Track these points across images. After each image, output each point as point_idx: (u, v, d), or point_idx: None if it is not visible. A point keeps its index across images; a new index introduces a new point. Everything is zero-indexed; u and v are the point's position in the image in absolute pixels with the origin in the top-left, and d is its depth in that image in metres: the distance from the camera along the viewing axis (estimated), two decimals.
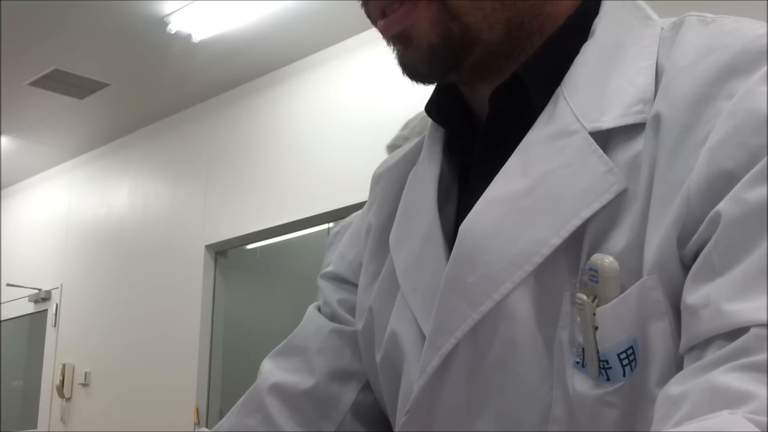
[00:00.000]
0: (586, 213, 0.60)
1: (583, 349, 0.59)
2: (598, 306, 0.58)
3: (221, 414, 4.38)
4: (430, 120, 0.78)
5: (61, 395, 5.21)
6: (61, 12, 3.86)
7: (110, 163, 5.41)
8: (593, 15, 0.69)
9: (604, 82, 0.64)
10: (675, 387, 0.52)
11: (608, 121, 0.62)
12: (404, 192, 0.78)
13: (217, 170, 4.67)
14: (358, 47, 4.05)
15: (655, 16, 0.69)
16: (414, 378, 0.67)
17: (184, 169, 4.88)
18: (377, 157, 3.78)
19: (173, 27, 3.96)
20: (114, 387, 4.93)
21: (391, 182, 0.82)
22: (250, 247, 4.53)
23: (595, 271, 0.58)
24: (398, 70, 0.71)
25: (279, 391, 0.81)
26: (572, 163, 0.62)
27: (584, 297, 0.58)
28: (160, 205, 4.97)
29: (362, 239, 0.84)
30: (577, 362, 0.59)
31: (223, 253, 4.62)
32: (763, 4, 2.35)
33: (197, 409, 4.38)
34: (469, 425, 0.65)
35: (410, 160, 0.81)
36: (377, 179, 0.86)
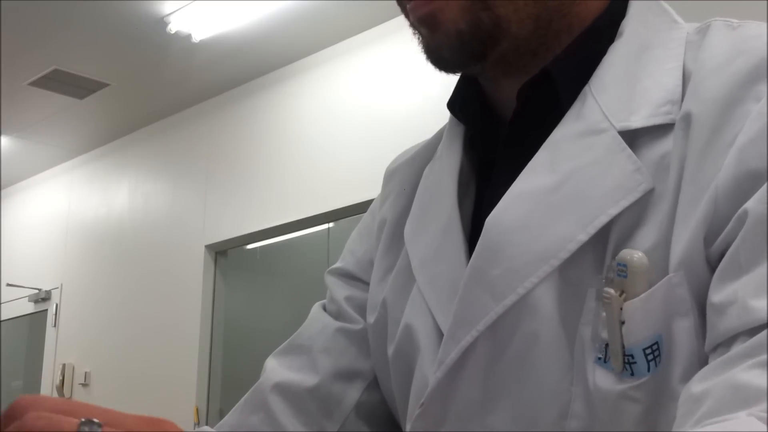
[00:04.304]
0: (614, 210, 0.60)
1: (606, 344, 0.59)
2: (625, 301, 0.58)
3: (221, 414, 4.38)
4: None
5: (61, 395, 5.21)
6: (61, 12, 3.86)
7: (110, 163, 5.41)
8: (620, 17, 0.69)
9: (632, 82, 0.65)
10: (697, 384, 0.52)
11: (637, 121, 0.63)
12: (420, 186, 0.78)
13: (217, 170, 4.67)
14: (357, 47, 4.05)
15: (680, 20, 0.70)
16: (429, 371, 0.67)
17: (184, 169, 4.88)
18: (377, 157, 3.78)
19: (173, 27, 3.96)
20: (114, 387, 4.92)
21: (407, 177, 0.82)
22: (250, 247, 4.53)
23: (624, 266, 0.58)
24: (422, 56, 0.71)
25: (282, 389, 0.80)
26: (601, 161, 0.62)
27: (612, 291, 0.58)
28: (160, 205, 4.97)
29: (373, 235, 0.83)
30: (599, 358, 0.60)
31: (223, 253, 4.62)
32: (763, 4, 2.35)
33: (197, 409, 4.38)
34: (483, 420, 0.65)
35: (425, 156, 0.82)
36: (390, 175, 0.86)
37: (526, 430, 0.62)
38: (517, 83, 0.70)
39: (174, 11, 3.87)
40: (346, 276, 0.85)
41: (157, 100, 4.82)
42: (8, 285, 5.71)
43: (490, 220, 0.65)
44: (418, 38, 0.72)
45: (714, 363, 0.53)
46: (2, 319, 5.93)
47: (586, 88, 0.66)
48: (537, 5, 0.67)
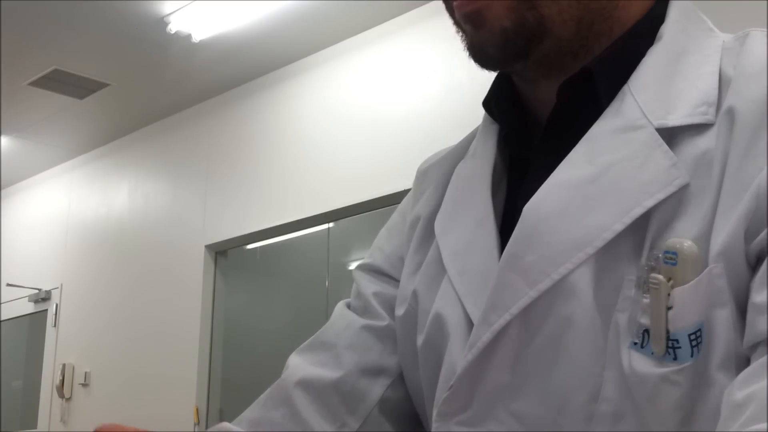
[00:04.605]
0: (649, 203, 0.62)
1: (645, 330, 0.61)
2: (673, 287, 0.60)
3: (221, 414, 4.38)
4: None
5: (61, 395, 5.21)
6: (61, 12, 3.86)
7: (110, 163, 5.41)
8: (660, 22, 0.72)
9: (670, 83, 0.68)
10: (740, 389, 0.54)
11: (674, 119, 0.65)
12: (451, 182, 0.81)
13: (217, 170, 4.67)
14: (357, 47, 4.05)
15: (716, 29, 0.73)
16: (458, 357, 0.68)
17: (184, 169, 4.88)
18: (377, 157, 3.75)
19: (173, 27, 3.96)
20: (114, 387, 4.93)
21: (439, 175, 0.84)
22: (250, 247, 4.53)
23: (674, 253, 0.60)
24: (466, 53, 0.74)
25: (306, 384, 0.81)
26: (638, 155, 0.65)
27: (661, 277, 0.60)
28: (160, 205, 4.97)
29: (403, 233, 0.85)
30: (635, 343, 0.61)
31: (223, 253, 4.62)
32: (763, 4, 2.35)
33: (197, 409, 4.38)
34: (510, 405, 0.66)
35: (458, 155, 0.84)
36: (423, 174, 0.89)
37: (554, 413, 0.64)
38: (554, 83, 0.72)
39: (174, 11, 3.87)
40: (375, 272, 0.86)
41: (157, 100, 4.82)
42: (8, 285, 5.71)
43: (527, 208, 0.67)
44: (462, 36, 0.74)
45: (755, 366, 0.55)
46: (2, 319, 5.93)
47: (625, 87, 0.68)
48: (580, 7, 0.70)
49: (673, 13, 0.72)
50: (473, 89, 3.50)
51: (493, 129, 0.79)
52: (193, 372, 4.44)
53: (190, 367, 4.45)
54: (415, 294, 0.78)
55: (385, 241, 0.88)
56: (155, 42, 4.11)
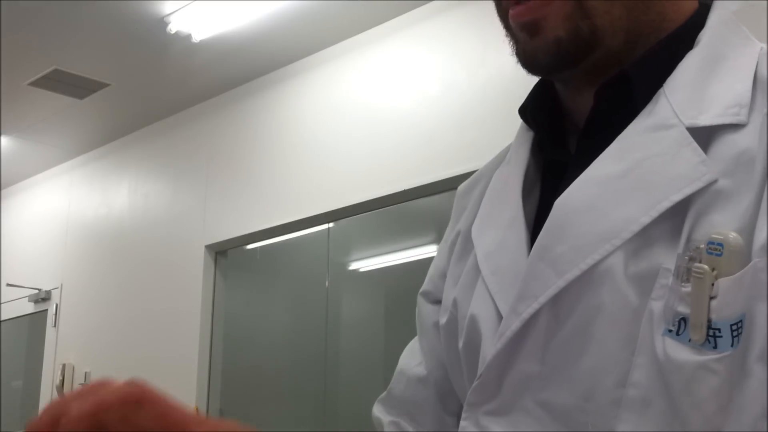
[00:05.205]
0: (676, 197, 0.64)
1: (681, 318, 0.62)
2: (717, 278, 0.61)
3: (221, 414, 4.38)
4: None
5: (62, 395, 5.21)
6: (61, 12, 3.86)
7: (110, 163, 5.41)
8: (699, 29, 0.74)
9: (704, 86, 0.69)
10: None
11: (705, 119, 0.67)
12: (488, 189, 0.84)
13: (217, 170, 4.67)
14: (357, 47, 4.05)
15: (754, 38, 0.75)
16: (489, 350, 0.70)
17: (184, 169, 4.88)
18: (377, 157, 3.75)
19: (173, 27, 3.96)
20: None
21: (480, 191, 0.87)
22: (250, 247, 4.53)
23: (719, 245, 0.61)
24: (516, 58, 0.76)
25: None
26: (668, 152, 0.67)
27: (705, 267, 0.61)
28: (160, 205, 4.97)
29: (445, 252, 0.89)
30: (670, 330, 0.63)
31: (223, 253, 4.62)
32: (763, 4, 2.35)
33: (197, 409, 4.38)
34: (538, 394, 0.68)
35: (494, 169, 0.87)
36: (463, 193, 0.92)
37: (582, 400, 0.65)
38: (595, 88, 0.75)
39: (174, 11, 3.87)
40: (434, 301, 0.89)
41: (157, 100, 4.82)
42: (8, 285, 5.71)
43: (558, 202, 0.70)
44: (512, 42, 0.77)
45: None
46: (2, 319, 5.93)
47: (661, 90, 0.70)
48: (630, 19, 0.73)
49: (712, 21, 0.74)
50: (472, 90, 3.51)
51: (528, 136, 0.82)
52: (193, 372, 4.44)
53: (190, 367, 4.45)
54: (455, 302, 0.80)
55: (432, 264, 0.92)
56: (155, 42, 4.11)
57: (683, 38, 0.74)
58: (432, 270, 0.91)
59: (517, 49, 0.76)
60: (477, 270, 0.77)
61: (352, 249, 4.17)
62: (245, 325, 4.59)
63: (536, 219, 0.76)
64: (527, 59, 0.75)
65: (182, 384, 4.46)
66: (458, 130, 3.49)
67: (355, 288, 4.17)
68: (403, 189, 3.68)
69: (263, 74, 4.48)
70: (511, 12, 0.75)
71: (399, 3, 3.76)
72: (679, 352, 0.62)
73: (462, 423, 0.73)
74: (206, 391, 4.44)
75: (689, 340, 0.61)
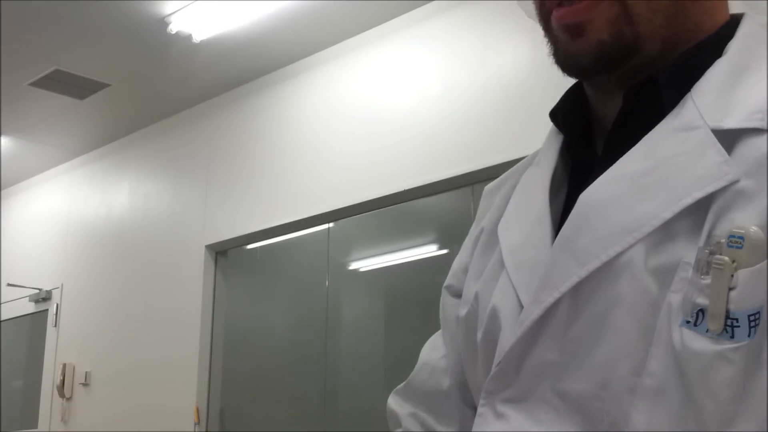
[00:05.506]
0: (698, 194, 0.66)
1: (699, 310, 0.63)
2: (737, 269, 0.63)
3: (221, 414, 4.39)
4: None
5: (62, 395, 5.22)
6: (61, 12, 3.87)
7: (110, 163, 5.41)
8: (728, 38, 0.76)
9: (730, 92, 0.71)
10: None
11: (729, 123, 0.68)
12: (516, 190, 0.86)
13: (217, 170, 4.68)
14: (357, 48, 4.05)
15: None
16: (509, 338, 0.72)
17: (184, 169, 4.88)
18: (377, 157, 3.76)
19: (174, 27, 3.96)
20: (114, 387, 4.93)
21: (506, 191, 0.90)
22: (250, 247, 4.53)
23: (740, 238, 0.63)
24: (553, 58, 0.77)
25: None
26: (692, 152, 0.68)
27: (726, 258, 0.63)
28: (160, 205, 4.97)
29: (468, 248, 0.91)
30: (688, 321, 0.64)
31: (223, 253, 4.62)
32: (763, 3, 2.35)
33: (197, 409, 4.38)
34: (556, 383, 0.69)
35: (522, 170, 0.89)
36: (489, 193, 0.94)
37: (598, 388, 0.67)
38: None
39: (175, 11, 3.88)
40: (457, 295, 0.91)
41: (157, 101, 4.82)
42: (8, 285, 5.71)
43: (583, 196, 0.72)
44: (552, 43, 0.78)
45: None
46: (2, 319, 5.94)
47: (688, 94, 0.72)
48: (670, 29, 0.75)
49: (742, 32, 0.76)
50: (472, 90, 3.51)
51: (557, 139, 0.84)
52: (193, 372, 4.44)
53: (191, 367, 4.45)
54: (476, 295, 0.82)
55: (456, 259, 0.94)
56: (156, 42, 4.12)
57: (713, 47, 0.75)
58: (455, 265, 0.93)
59: (556, 50, 0.77)
60: (501, 264, 0.79)
61: (352, 249, 4.18)
62: (245, 325, 4.59)
63: (562, 217, 0.77)
64: (568, 60, 0.76)
65: (182, 384, 4.46)
66: (458, 130, 3.49)
67: (355, 288, 4.17)
68: (403, 189, 3.68)
69: (263, 74, 4.49)
70: (555, 13, 0.76)
71: (399, 3, 3.76)
72: (696, 342, 0.63)
73: (479, 410, 0.74)
74: (206, 390, 4.44)
75: (707, 331, 0.63)
